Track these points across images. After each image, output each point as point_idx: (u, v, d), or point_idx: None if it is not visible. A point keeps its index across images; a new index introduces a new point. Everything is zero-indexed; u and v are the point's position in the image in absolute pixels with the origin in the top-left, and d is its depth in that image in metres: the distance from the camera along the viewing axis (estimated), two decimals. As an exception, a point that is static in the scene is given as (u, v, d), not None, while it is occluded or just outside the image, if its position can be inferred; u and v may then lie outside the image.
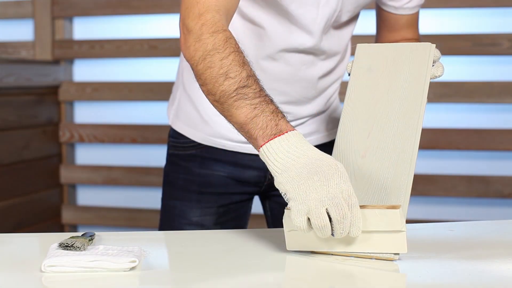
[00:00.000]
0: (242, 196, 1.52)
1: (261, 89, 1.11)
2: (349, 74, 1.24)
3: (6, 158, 2.77)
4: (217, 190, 1.49)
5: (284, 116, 1.09)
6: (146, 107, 3.07)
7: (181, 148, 1.51)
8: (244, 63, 1.13)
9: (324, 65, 1.43)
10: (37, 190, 3.00)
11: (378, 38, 1.51)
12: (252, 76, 1.12)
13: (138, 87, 3.03)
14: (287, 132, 1.06)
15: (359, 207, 1.01)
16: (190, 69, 1.45)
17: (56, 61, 3.09)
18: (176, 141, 1.52)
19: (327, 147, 1.52)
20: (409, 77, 1.18)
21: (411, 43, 1.24)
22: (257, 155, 1.48)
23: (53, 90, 3.08)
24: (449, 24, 2.76)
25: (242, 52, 1.15)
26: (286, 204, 1.03)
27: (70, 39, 3.12)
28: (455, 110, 2.78)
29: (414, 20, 1.48)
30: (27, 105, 2.91)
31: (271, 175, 1.50)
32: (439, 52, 1.22)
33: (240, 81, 1.10)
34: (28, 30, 3.18)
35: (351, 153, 1.15)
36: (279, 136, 1.06)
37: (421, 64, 1.18)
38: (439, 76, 1.22)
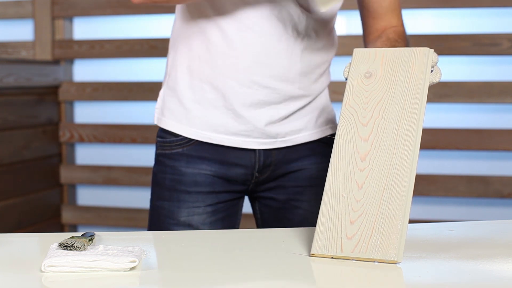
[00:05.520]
0: (230, 195, 1.52)
1: None
2: (346, 79, 1.24)
3: (6, 158, 2.77)
4: (204, 189, 1.49)
5: None
6: (146, 107, 3.07)
7: (168, 147, 1.51)
8: None
9: (306, 41, 1.45)
10: (37, 190, 3.00)
11: (364, 28, 1.51)
12: None
13: (138, 87, 3.03)
14: None
15: None
16: (174, 64, 1.49)
17: (56, 61, 3.09)
18: (163, 140, 1.52)
19: (316, 144, 1.52)
20: (408, 82, 1.18)
21: (409, 48, 1.24)
22: (244, 151, 1.50)
23: (53, 90, 3.08)
24: (449, 24, 2.76)
25: None
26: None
27: (70, 39, 3.12)
28: (455, 110, 2.78)
29: (396, 3, 1.48)
30: (27, 105, 2.91)
31: (258, 173, 1.50)
32: (437, 56, 1.22)
33: None
34: (28, 30, 3.18)
35: (351, 157, 1.15)
36: None
37: (419, 70, 1.19)
38: (437, 82, 1.23)
